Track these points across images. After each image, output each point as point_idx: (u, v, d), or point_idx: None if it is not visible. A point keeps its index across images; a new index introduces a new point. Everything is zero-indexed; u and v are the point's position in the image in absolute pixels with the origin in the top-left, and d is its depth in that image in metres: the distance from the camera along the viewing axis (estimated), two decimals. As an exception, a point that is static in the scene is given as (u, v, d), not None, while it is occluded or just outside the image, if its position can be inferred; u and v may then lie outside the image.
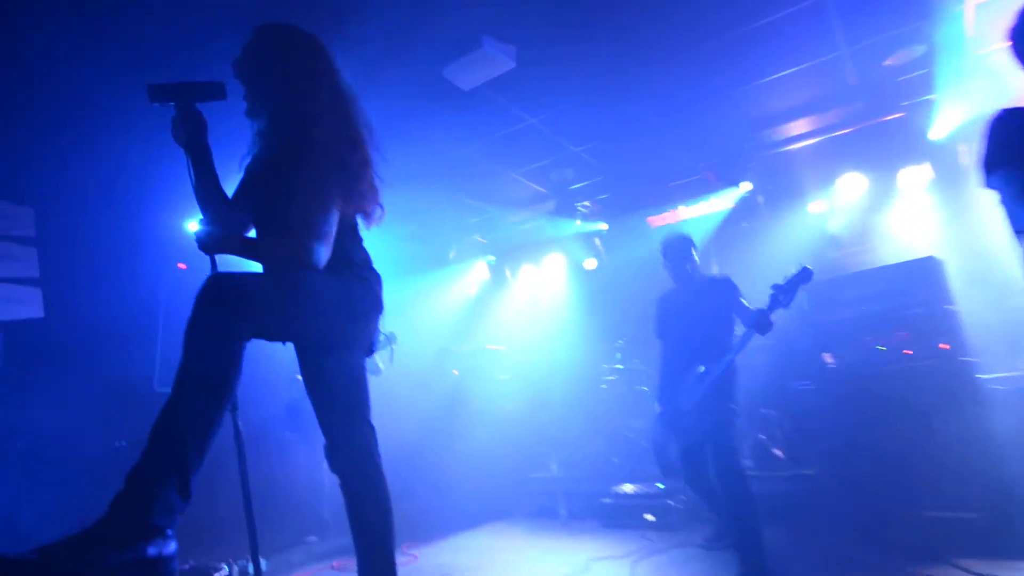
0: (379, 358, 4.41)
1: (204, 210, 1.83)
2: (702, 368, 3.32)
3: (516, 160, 5.60)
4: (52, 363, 4.47)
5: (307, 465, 4.62)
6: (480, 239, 7.47)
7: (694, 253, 3.67)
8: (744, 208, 5.97)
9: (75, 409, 4.55)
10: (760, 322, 3.08)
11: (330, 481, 4.32)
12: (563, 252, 7.27)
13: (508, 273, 7.74)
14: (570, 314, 7.06)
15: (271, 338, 1.69)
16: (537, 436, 6.12)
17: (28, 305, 4.13)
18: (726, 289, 3.46)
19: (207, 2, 3.09)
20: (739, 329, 3.39)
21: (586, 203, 6.57)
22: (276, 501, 4.37)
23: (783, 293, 3.04)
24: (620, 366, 5.93)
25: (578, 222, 6.53)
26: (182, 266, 5.35)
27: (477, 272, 7.79)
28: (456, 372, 6.38)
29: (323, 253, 1.70)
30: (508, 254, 7.67)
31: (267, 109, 1.88)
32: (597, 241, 6.95)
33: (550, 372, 6.58)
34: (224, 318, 1.51)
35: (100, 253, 4.57)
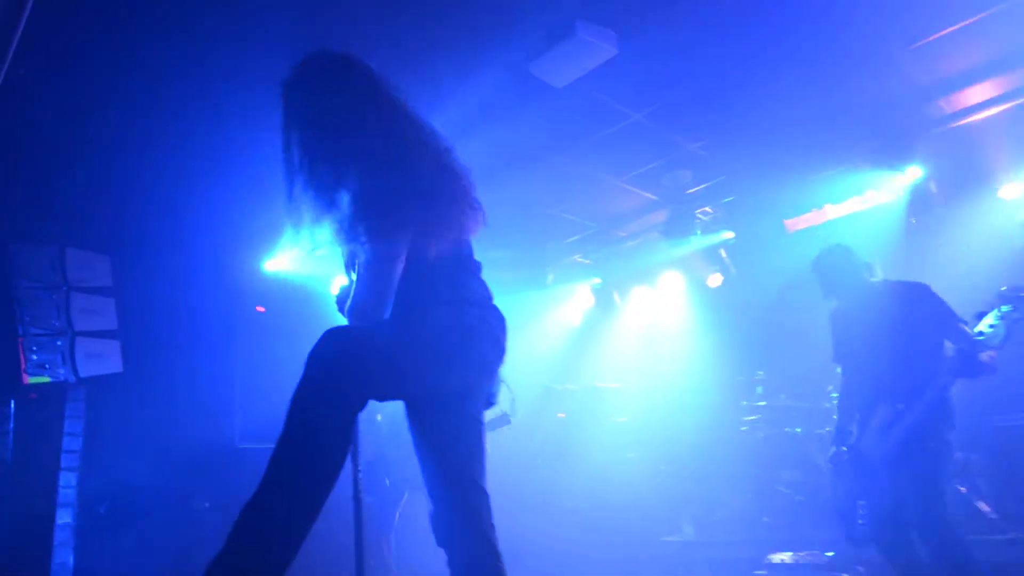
0: (507, 407, 4.33)
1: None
2: (899, 406, 2.95)
3: (620, 164, 5.46)
4: (132, 420, 4.76)
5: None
6: (582, 259, 7.35)
7: (855, 261, 3.31)
8: (912, 200, 5.45)
9: (156, 469, 4.81)
10: (969, 361, 2.68)
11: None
12: (682, 269, 7.02)
13: (617, 297, 7.56)
14: (695, 342, 6.78)
15: (383, 399, 1.71)
16: (665, 491, 5.81)
17: (108, 359, 4.43)
18: (923, 299, 3.05)
19: (285, 40, 3.16)
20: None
21: (707, 209, 6.30)
22: None
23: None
24: (762, 403, 5.56)
25: (698, 232, 6.24)
26: (260, 309, 5.60)
27: (580, 298, 7.67)
28: (562, 415, 6.23)
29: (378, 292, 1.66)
30: (616, 275, 7.48)
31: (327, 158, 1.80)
32: (723, 253, 6.63)
33: (676, 413, 6.29)
34: (339, 389, 1.51)
35: (176, 300, 4.85)
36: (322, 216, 1.71)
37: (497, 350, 1.84)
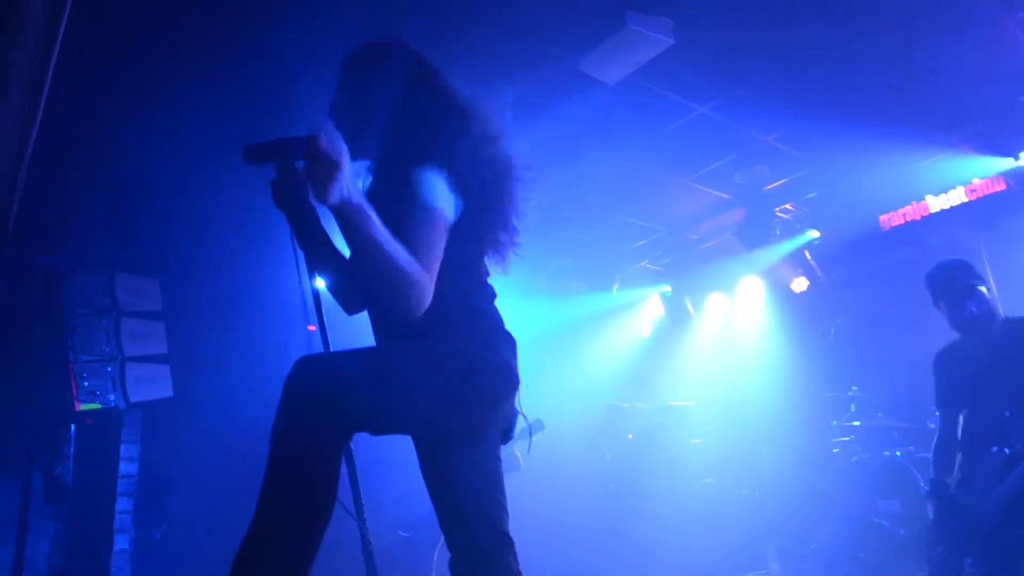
0: (517, 449, 4.23)
1: (329, 288, 1.91)
2: (1018, 447, 2.69)
3: (687, 163, 5.29)
4: (184, 445, 4.89)
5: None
6: (650, 266, 7.20)
7: (982, 289, 3.08)
8: (1028, 189, 5.03)
9: (210, 494, 4.92)
10: None
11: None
12: (761, 273, 6.79)
13: (690, 306, 7.39)
14: (778, 355, 6.52)
15: (379, 432, 1.64)
16: (747, 520, 5.63)
17: (159, 384, 4.56)
18: None
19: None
20: None
21: (788, 206, 6.07)
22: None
23: None
24: (856, 423, 5.22)
25: (778, 232, 5.98)
26: (311, 328, 5.67)
27: (649, 308, 7.56)
28: (631, 436, 6.05)
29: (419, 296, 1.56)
30: (688, 282, 7.33)
31: (374, 146, 1.85)
32: (807, 255, 6.38)
33: (758, 433, 6.09)
34: (316, 421, 1.45)
35: (225, 322, 4.97)
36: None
37: (514, 381, 1.77)
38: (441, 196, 1.64)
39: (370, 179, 1.90)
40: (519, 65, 3.82)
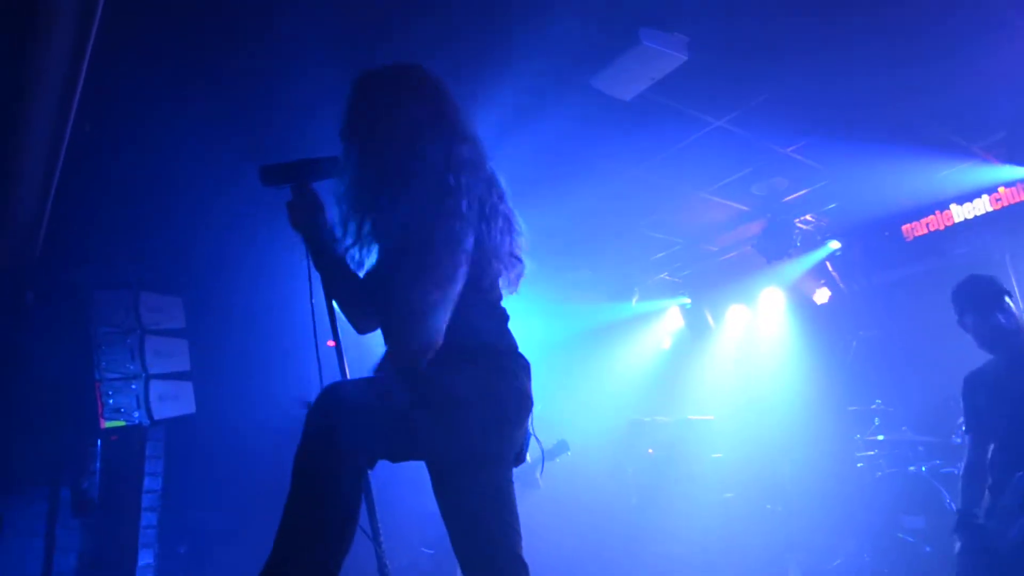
0: (537, 470, 4.24)
1: (341, 307, 1.92)
2: None
3: (704, 175, 5.28)
4: (208, 461, 4.98)
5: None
6: (670, 277, 7.18)
7: (1009, 302, 3.04)
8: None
9: (233, 510, 5.00)
10: None
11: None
12: (782, 285, 6.71)
13: (710, 318, 7.33)
14: (800, 367, 6.43)
15: (397, 459, 1.67)
16: (769, 535, 5.53)
17: (182, 401, 4.66)
18: None
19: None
20: None
21: (808, 217, 6.02)
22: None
23: None
24: (880, 437, 5.13)
25: (798, 243, 5.93)
26: (331, 343, 5.74)
27: (669, 319, 7.51)
28: (651, 451, 6.02)
29: (425, 336, 1.59)
30: (708, 294, 7.28)
31: (381, 175, 1.82)
32: (829, 266, 6.32)
33: (779, 447, 5.99)
34: (339, 448, 1.49)
35: (247, 340, 5.05)
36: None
37: (528, 406, 1.77)
38: (455, 226, 1.63)
39: (380, 208, 1.85)
40: (535, 81, 3.85)
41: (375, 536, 1.79)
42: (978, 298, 3.05)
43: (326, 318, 1.93)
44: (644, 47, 3.49)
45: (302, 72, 3.46)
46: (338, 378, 1.80)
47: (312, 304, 1.90)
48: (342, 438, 1.48)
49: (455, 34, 3.41)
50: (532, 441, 1.91)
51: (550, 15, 3.33)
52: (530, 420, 1.80)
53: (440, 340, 1.60)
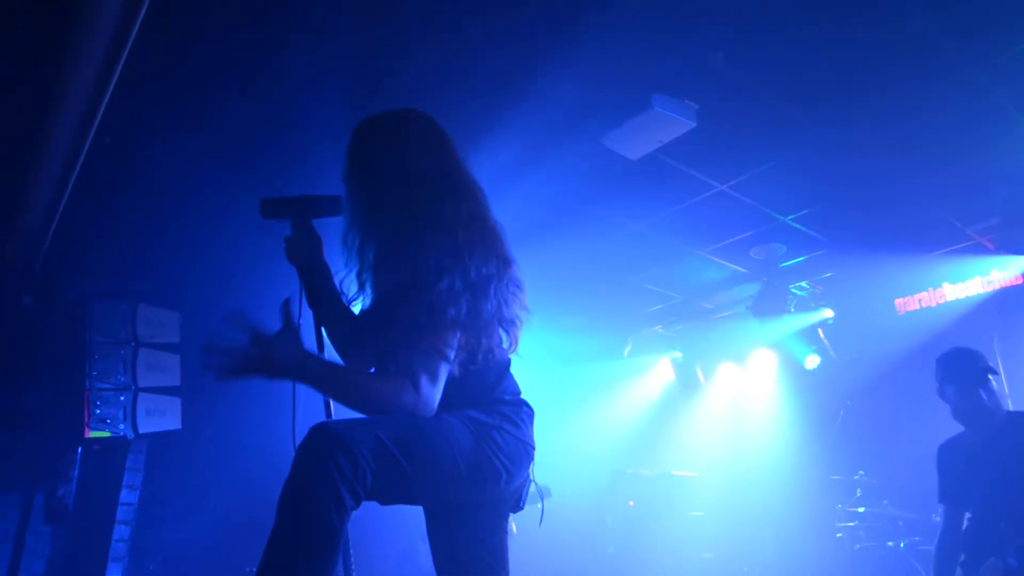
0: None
1: (334, 347, 1.88)
2: (1011, 562, 2.66)
3: (704, 235, 5.35)
4: (188, 478, 4.95)
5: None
6: (663, 331, 7.21)
7: (991, 379, 3.04)
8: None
9: (208, 529, 4.95)
10: None
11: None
12: (774, 347, 6.77)
13: (700, 374, 7.36)
14: (786, 431, 6.46)
15: (386, 502, 1.62)
16: None
17: (168, 416, 4.65)
18: None
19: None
20: None
21: (803, 284, 6.13)
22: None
23: None
24: (861, 509, 5.14)
25: (792, 309, 6.00)
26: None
27: (660, 372, 7.51)
28: (632, 503, 5.99)
29: (424, 403, 1.59)
30: (700, 350, 7.32)
31: (380, 227, 1.81)
32: (821, 333, 6.37)
33: (761, 511, 5.96)
34: (329, 486, 1.44)
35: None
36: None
37: (529, 454, 1.76)
38: (452, 288, 1.61)
39: (378, 258, 1.83)
40: (547, 133, 3.94)
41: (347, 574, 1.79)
42: (963, 371, 3.04)
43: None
44: (656, 112, 3.59)
45: (309, 111, 3.54)
46: (321, 415, 1.77)
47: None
48: (333, 474, 1.45)
49: (474, 81, 3.49)
50: (532, 489, 1.90)
51: (568, 72, 3.43)
52: (531, 467, 1.78)
53: (436, 406, 1.60)
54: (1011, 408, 3.16)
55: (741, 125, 3.90)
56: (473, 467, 1.62)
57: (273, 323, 1.63)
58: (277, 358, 1.52)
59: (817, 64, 3.41)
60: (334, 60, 3.27)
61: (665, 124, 3.69)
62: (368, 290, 1.86)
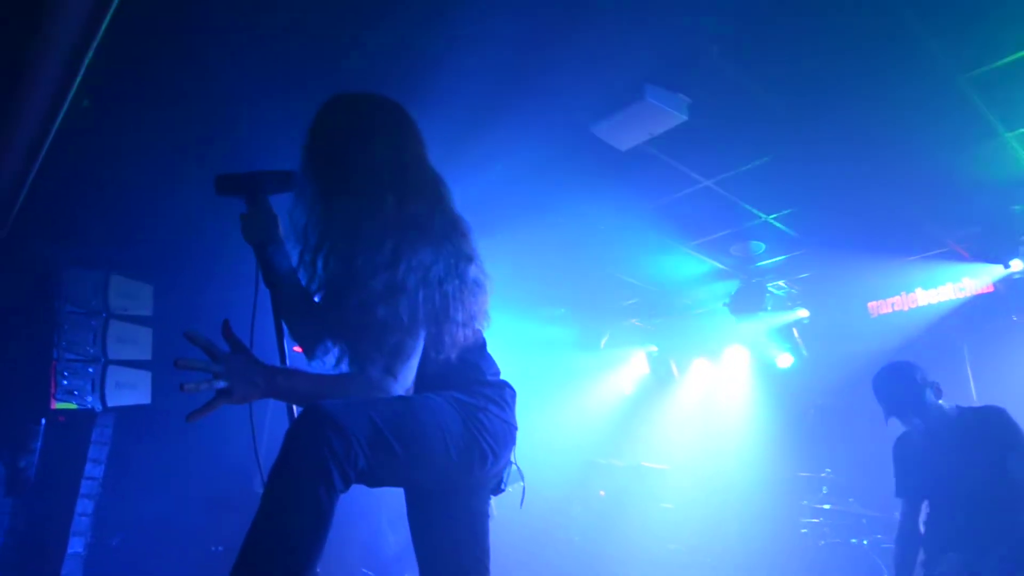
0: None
1: (287, 326, 1.84)
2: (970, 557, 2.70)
3: (686, 230, 5.36)
4: (155, 454, 4.85)
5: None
6: (639, 324, 7.23)
7: (929, 395, 3.03)
8: (1015, 295, 5.14)
9: (173, 506, 4.87)
10: None
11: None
12: (748, 345, 6.83)
13: (674, 368, 7.41)
14: (757, 427, 6.54)
15: (375, 484, 1.61)
16: None
17: (138, 390, 4.56)
18: (1001, 427, 2.84)
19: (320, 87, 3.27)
20: None
21: (780, 283, 6.18)
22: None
23: None
24: (827, 506, 5.23)
25: (768, 308, 6.05)
26: (297, 349, 5.69)
27: (635, 365, 7.55)
28: (603, 493, 6.03)
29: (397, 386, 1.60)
30: (675, 344, 7.37)
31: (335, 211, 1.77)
32: (795, 332, 6.43)
33: (728, 505, 6.02)
34: (320, 467, 1.43)
35: (214, 335, 4.96)
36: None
37: (511, 436, 1.76)
38: (391, 285, 1.59)
39: (315, 243, 1.79)
40: (530, 122, 3.91)
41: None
42: (897, 402, 3.03)
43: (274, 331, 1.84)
44: (647, 103, 3.57)
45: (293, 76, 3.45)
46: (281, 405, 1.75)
47: (253, 319, 1.82)
48: (325, 454, 1.43)
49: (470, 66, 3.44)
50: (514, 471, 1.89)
51: (562, 59, 3.40)
52: (512, 450, 1.78)
53: (411, 384, 1.61)
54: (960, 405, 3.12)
55: (731, 122, 3.91)
56: (461, 449, 1.62)
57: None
58: (238, 394, 1.61)
59: (809, 65, 3.42)
60: (312, 30, 3.18)
61: (657, 116, 3.67)
62: (314, 271, 1.80)
